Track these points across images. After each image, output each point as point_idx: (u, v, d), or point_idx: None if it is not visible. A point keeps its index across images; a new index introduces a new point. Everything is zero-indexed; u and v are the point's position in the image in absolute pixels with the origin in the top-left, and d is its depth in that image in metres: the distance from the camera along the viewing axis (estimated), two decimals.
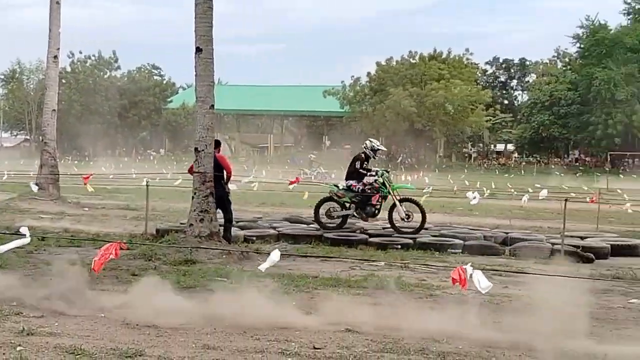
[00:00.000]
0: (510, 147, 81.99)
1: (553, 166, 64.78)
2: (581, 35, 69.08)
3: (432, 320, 7.47)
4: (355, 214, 15.06)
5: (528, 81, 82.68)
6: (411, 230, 14.58)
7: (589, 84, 63.44)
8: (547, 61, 78.53)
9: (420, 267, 11.09)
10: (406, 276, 10.33)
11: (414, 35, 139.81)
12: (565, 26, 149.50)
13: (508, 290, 9.26)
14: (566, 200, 13.76)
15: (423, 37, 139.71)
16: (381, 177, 14.92)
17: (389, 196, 14.93)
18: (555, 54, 77.11)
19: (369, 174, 14.96)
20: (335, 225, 15.06)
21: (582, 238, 14.36)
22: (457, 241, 13.53)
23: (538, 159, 71.04)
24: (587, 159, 70.18)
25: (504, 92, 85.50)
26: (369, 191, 14.84)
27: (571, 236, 14.46)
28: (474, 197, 17.80)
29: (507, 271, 10.24)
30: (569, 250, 12.63)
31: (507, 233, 14.64)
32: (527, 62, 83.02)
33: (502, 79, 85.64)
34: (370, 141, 15.66)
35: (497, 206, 23.17)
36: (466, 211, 21.90)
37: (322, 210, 15.29)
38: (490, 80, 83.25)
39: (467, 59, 69.82)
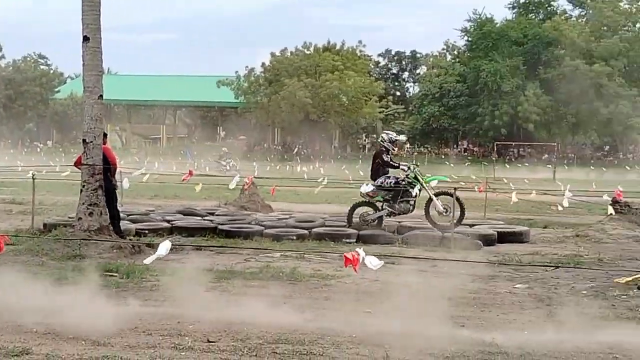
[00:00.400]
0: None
1: (443, 156, 66.41)
2: (469, 28, 71.08)
3: (325, 310, 7.53)
4: (389, 210, 14.29)
5: (419, 73, 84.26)
6: (450, 224, 13.70)
7: (476, 76, 65.28)
8: (437, 54, 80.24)
9: (316, 258, 11.17)
10: (302, 267, 10.37)
11: (309, 27, 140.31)
12: (454, 20, 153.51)
13: (400, 278, 9.41)
14: (455, 189, 14.12)
15: (317, 29, 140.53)
16: (413, 171, 14.27)
17: (424, 191, 14.23)
18: (445, 47, 78.91)
19: (399, 168, 14.34)
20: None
21: (470, 225, 14.78)
22: (351, 231, 13.68)
23: (429, 149, 72.63)
24: (475, 149, 72.39)
25: (396, 83, 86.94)
26: (401, 185, 14.19)
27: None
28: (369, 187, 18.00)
29: (399, 256, 10.43)
30: (458, 238, 13.01)
31: (399, 222, 14.91)
32: (418, 55, 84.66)
33: (394, 71, 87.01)
34: (386, 133, 14.76)
35: None
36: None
37: (355, 214, 14.60)
38: (383, 72, 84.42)
39: (360, 50, 70.47)
